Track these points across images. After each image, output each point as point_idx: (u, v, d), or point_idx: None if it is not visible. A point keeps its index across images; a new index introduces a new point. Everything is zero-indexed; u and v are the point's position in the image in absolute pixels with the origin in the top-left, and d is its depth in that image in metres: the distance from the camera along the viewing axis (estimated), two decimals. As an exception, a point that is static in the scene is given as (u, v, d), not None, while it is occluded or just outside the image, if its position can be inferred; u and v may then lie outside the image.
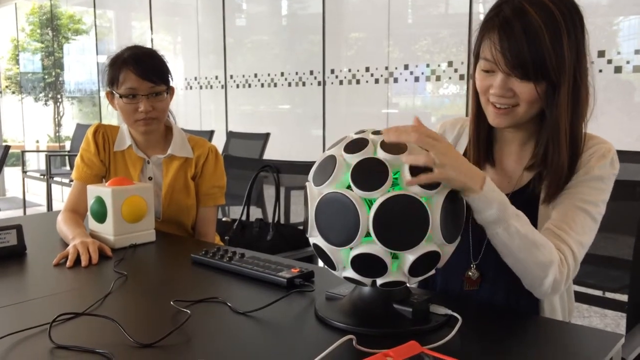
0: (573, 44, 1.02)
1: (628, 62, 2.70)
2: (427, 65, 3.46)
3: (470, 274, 1.19)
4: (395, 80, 3.60)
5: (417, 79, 3.52)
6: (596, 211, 1.09)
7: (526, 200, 1.12)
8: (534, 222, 1.10)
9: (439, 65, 3.41)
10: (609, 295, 1.87)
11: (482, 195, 0.94)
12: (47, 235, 1.70)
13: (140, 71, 1.64)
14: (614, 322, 2.86)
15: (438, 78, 3.43)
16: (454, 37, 3.38)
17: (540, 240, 1.00)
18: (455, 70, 3.34)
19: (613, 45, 2.76)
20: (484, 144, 1.19)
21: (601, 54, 2.75)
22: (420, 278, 0.96)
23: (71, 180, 1.82)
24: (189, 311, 1.01)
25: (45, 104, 7.74)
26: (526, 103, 1.05)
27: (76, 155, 1.80)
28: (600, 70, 2.76)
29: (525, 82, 1.03)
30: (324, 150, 0.97)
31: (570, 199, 1.08)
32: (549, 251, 1.01)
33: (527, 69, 1.01)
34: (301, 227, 2.13)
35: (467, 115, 2.60)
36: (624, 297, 1.65)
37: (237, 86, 4.67)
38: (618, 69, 2.73)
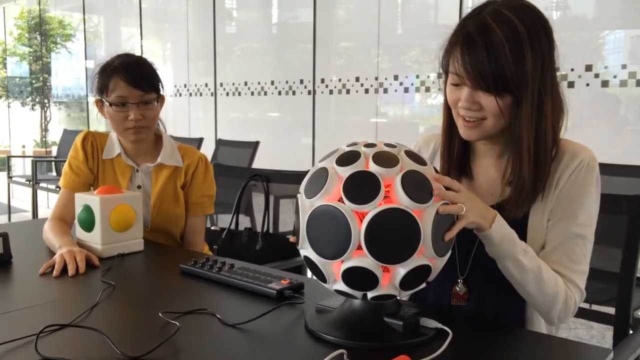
0: (537, 58, 1.03)
1: (615, 77, 2.73)
2: (417, 76, 3.48)
3: (457, 289, 1.18)
4: (385, 90, 3.62)
5: (406, 90, 3.53)
6: (592, 231, 1.12)
7: (511, 213, 1.12)
8: (523, 233, 1.11)
9: (428, 76, 3.44)
10: (595, 307, 1.88)
11: (490, 232, 1.01)
12: (33, 244, 1.68)
13: (130, 79, 1.63)
14: (600, 334, 2.88)
15: (427, 89, 3.45)
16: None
17: (547, 274, 1.06)
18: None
19: (599, 59, 2.80)
20: (457, 156, 1.20)
21: (588, 67, 2.78)
22: (411, 291, 0.96)
23: (57, 187, 1.81)
24: (177, 323, 1.00)
25: (32, 108, 7.68)
26: (493, 116, 1.06)
27: (63, 161, 1.79)
28: (587, 84, 2.79)
29: (489, 95, 1.05)
30: (313, 159, 0.97)
31: (567, 226, 1.10)
32: (555, 284, 1.06)
33: (488, 82, 1.02)
34: (289, 237, 2.12)
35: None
36: (610, 310, 1.66)
37: (227, 94, 4.67)
38: (605, 83, 2.76)
